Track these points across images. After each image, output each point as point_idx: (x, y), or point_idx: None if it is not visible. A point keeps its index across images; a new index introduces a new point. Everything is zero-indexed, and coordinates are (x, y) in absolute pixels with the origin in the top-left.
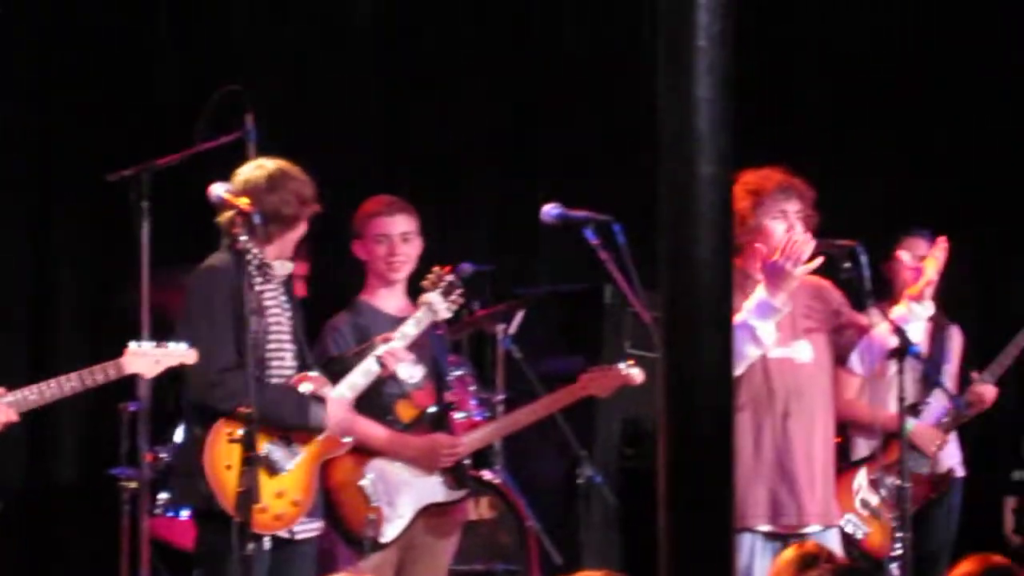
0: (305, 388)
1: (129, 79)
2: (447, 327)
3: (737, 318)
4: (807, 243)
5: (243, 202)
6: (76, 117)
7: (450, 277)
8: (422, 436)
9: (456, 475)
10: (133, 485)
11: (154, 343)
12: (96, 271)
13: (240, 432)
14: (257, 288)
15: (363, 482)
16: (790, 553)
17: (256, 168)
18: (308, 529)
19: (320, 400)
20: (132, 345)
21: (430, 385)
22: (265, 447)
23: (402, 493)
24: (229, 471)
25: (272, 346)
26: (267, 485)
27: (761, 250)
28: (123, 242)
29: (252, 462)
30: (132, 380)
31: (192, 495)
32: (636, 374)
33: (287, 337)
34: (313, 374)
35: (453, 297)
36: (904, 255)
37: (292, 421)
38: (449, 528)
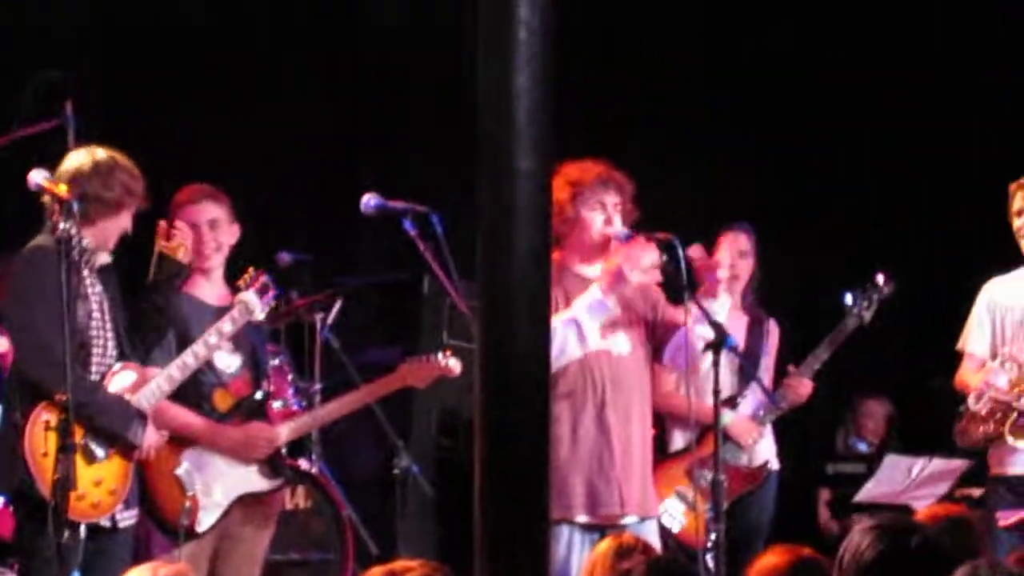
0: (126, 378)
1: None
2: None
3: (566, 314)
4: (649, 252)
5: (61, 189)
6: None
7: (264, 278)
8: (238, 426)
9: (272, 464)
10: None
11: None
12: None
13: (54, 420)
14: (83, 274)
15: (179, 471)
16: (606, 544)
17: (87, 154)
18: (127, 517)
19: (143, 419)
20: None
21: (247, 374)
22: (83, 436)
23: (218, 482)
24: (46, 458)
25: (92, 334)
26: (85, 473)
27: (597, 246)
28: None
29: (68, 449)
30: None
31: (9, 482)
32: (454, 365)
33: (108, 326)
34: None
35: (267, 298)
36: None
37: (112, 429)
38: (265, 517)
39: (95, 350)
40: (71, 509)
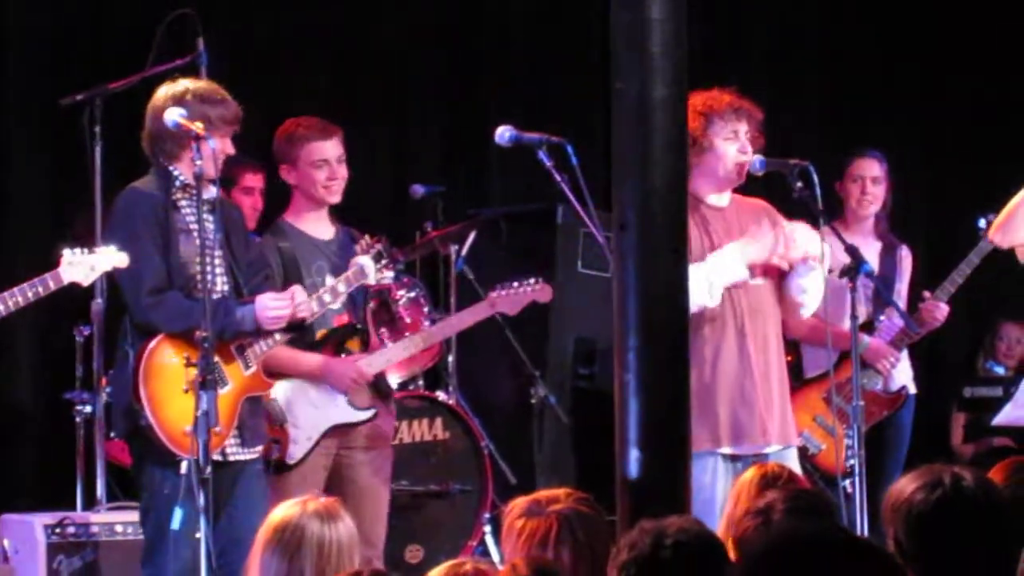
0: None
1: (82, 3)
2: (400, 250)
3: (703, 268)
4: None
5: (198, 126)
6: (29, 42)
7: (379, 246)
8: (326, 355)
9: (365, 395)
10: (88, 409)
11: (86, 250)
12: (50, 194)
13: (175, 356)
14: (184, 211)
15: (268, 404)
16: (751, 473)
17: (172, 86)
18: (239, 452)
19: (246, 303)
20: (66, 253)
21: (348, 313)
22: (192, 372)
23: (307, 414)
24: (164, 395)
25: (198, 269)
26: (191, 411)
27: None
28: (77, 165)
29: (209, 386)
30: (86, 304)
31: (121, 415)
32: (543, 291)
33: (216, 261)
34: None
35: (381, 265)
36: None
37: (221, 328)
38: (375, 451)
39: (200, 285)
40: (179, 444)
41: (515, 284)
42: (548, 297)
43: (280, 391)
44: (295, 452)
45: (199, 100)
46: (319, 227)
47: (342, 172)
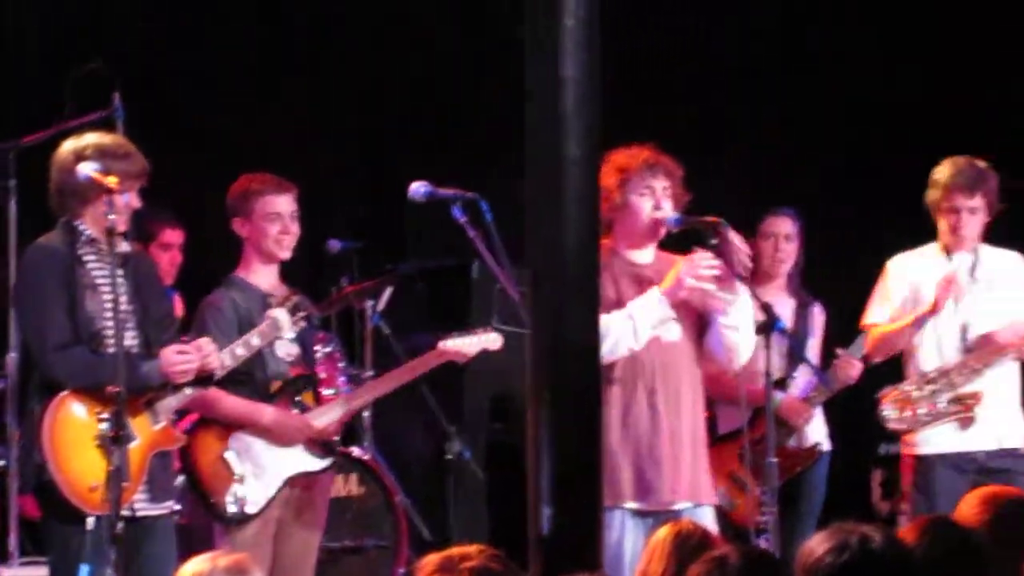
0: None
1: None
2: (316, 305)
3: (623, 310)
4: (709, 260)
5: (111, 181)
6: None
7: (297, 298)
8: (279, 408)
9: (322, 445)
10: (1, 463)
11: None
12: None
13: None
14: (90, 265)
15: (227, 454)
16: (665, 531)
17: (76, 141)
18: (148, 508)
19: (151, 357)
20: None
21: (302, 362)
22: (101, 427)
23: (267, 463)
24: (69, 450)
25: (108, 323)
26: (100, 465)
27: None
28: None
29: (121, 441)
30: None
31: (29, 470)
32: (493, 340)
33: (124, 316)
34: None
35: (297, 317)
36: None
37: (127, 384)
38: (316, 507)
39: (109, 340)
40: (84, 500)
41: (465, 332)
42: (498, 346)
43: (237, 441)
44: (257, 501)
45: (102, 154)
46: (269, 281)
47: (294, 228)
